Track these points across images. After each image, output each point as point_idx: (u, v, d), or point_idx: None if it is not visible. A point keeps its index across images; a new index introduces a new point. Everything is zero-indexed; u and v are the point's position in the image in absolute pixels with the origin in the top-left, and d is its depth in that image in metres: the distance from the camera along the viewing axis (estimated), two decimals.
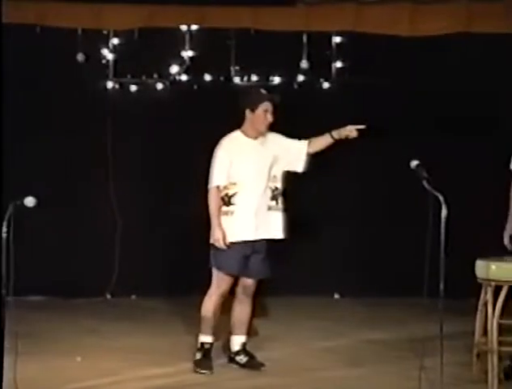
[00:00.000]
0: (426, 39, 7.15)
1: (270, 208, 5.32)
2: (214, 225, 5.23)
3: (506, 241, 5.36)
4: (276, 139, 5.39)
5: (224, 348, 5.60)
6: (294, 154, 5.39)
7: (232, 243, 5.23)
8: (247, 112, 5.30)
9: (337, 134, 5.38)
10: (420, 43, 7.18)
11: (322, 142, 5.42)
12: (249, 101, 5.33)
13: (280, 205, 5.35)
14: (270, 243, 5.36)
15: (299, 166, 5.42)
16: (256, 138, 5.33)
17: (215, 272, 5.32)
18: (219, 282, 5.31)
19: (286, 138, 5.43)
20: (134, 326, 6.56)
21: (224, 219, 5.26)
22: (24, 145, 7.41)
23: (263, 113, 5.28)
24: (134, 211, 7.55)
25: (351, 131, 5.34)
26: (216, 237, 5.21)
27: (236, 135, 5.36)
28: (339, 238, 7.55)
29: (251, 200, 5.26)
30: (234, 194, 5.26)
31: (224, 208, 5.27)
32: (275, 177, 5.35)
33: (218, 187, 5.26)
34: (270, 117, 5.29)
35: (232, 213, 5.26)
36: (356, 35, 7.27)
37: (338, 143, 5.39)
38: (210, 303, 5.33)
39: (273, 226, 5.33)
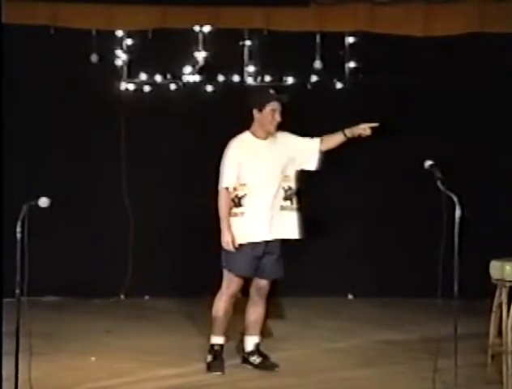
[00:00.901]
0: (439, 39, 7.13)
1: (283, 208, 5.30)
2: (223, 228, 5.22)
3: None
4: (288, 139, 5.38)
5: (238, 349, 5.60)
6: (307, 152, 5.38)
7: (242, 245, 5.23)
8: (255, 112, 5.30)
9: (350, 132, 5.37)
10: (434, 43, 7.16)
11: (335, 140, 5.42)
12: (256, 101, 5.32)
13: (295, 205, 5.34)
14: (284, 243, 5.35)
15: (312, 164, 5.40)
16: (265, 138, 5.32)
17: (225, 273, 5.32)
18: (229, 283, 5.31)
19: (297, 137, 5.41)
20: (147, 326, 6.57)
21: (234, 220, 5.25)
22: (38, 145, 7.44)
23: (271, 112, 5.26)
24: (147, 211, 7.55)
25: (364, 129, 5.33)
26: (226, 240, 5.21)
27: (245, 136, 5.35)
28: (353, 238, 7.53)
29: (262, 201, 5.25)
30: (244, 196, 5.25)
31: (234, 210, 5.26)
32: (287, 176, 5.34)
33: (227, 189, 5.25)
34: (278, 117, 5.27)
35: (242, 214, 5.25)
36: (369, 35, 7.26)
37: (351, 141, 5.38)
38: (220, 303, 5.33)
39: (287, 226, 5.31)
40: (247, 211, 5.25)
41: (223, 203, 5.25)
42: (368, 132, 5.33)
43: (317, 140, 5.41)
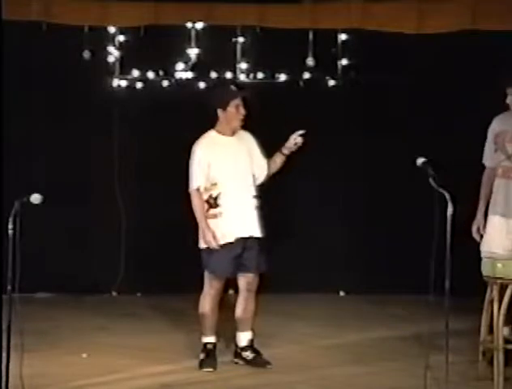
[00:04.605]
0: (432, 36, 7.14)
1: (253, 205, 5.32)
2: (203, 228, 5.22)
3: (474, 232, 5.39)
4: (251, 142, 5.41)
5: (228, 346, 5.61)
6: (258, 167, 5.40)
7: (222, 245, 5.23)
8: (219, 111, 5.32)
9: (286, 149, 5.41)
10: (426, 40, 7.16)
11: (277, 161, 5.45)
12: (219, 100, 5.35)
13: (258, 204, 5.36)
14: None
15: (260, 175, 5.42)
16: (232, 135, 5.36)
17: (206, 274, 5.34)
18: (212, 283, 5.33)
19: (256, 148, 5.41)
20: (140, 323, 6.57)
21: (213, 222, 5.26)
22: (29, 142, 7.42)
23: (235, 108, 5.29)
24: (139, 209, 7.55)
25: (295, 139, 5.36)
26: (208, 239, 5.21)
27: (211, 135, 5.37)
28: (345, 235, 7.54)
29: (236, 198, 5.26)
30: (219, 195, 5.27)
31: (212, 211, 5.27)
32: (254, 176, 5.37)
33: (198, 189, 5.26)
34: (242, 111, 5.31)
35: (220, 214, 5.26)
36: (362, 32, 7.26)
37: (291, 155, 5.40)
38: (205, 303, 5.35)
39: (257, 224, 5.32)
40: (224, 210, 5.26)
41: (196, 203, 5.26)
42: (299, 141, 5.35)
43: (265, 165, 5.42)
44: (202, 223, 5.24)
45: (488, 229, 5.27)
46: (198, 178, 5.27)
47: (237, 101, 5.31)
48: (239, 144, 5.35)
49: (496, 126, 5.44)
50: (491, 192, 5.40)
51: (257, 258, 5.32)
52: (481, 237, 5.38)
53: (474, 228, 5.42)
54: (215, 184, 5.26)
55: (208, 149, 5.30)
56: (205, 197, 5.28)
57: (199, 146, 5.33)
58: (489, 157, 5.44)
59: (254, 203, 5.34)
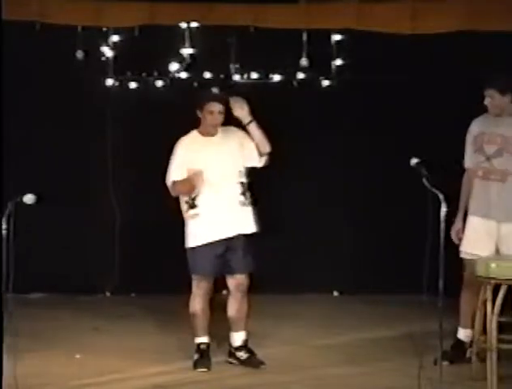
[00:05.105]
0: (428, 37, 7.14)
1: (241, 203, 5.31)
2: (188, 181, 5.18)
3: (453, 235, 5.42)
4: (236, 134, 5.36)
5: (221, 345, 5.61)
6: (249, 149, 5.35)
7: (202, 246, 5.24)
8: (198, 113, 5.34)
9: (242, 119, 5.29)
10: (422, 41, 7.17)
11: (252, 135, 5.32)
12: (197, 102, 5.36)
13: (248, 199, 5.34)
14: (248, 238, 5.35)
15: (255, 161, 5.37)
16: (214, 135, 5.35)
17: (193, 275, 5.34)
18: (199, 283, 5.34)
19: (248, 140, 5.35)
20: (134, 324, 6.56)
21: (192, 223, 5.28)
22: (23, 142, 7.40)
23: (209, 113, 5.28)
24: (133, 209, 7.54)
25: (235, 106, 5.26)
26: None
27: (193, 135, 5.38)
28: (340, 235, 7.55)
29: (216, 199, 5.26)
30: (196, 196, 5.28)
31: (191, 211, 5.29)
32: (240, 171, 5.35)
33: (175, 183, 5.27)
34: (218, 117, 5.27)
35: (198, 215, 5.27)
36: (356, 33, 7.26)
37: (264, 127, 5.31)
38: (195, 304, 5.36)
39: (244, 221, 5.31)
40: (202, 211, 5.26)
41: (174, 189, 5.28)
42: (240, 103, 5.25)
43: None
44: (184, 183, 5.20)
45: (469, 230, 5.28)
46: (175, 172, 5.28)
47: (212, 106, 5.29)
48: (222, 143, 5.33)
49: (475, 128, 5.51)
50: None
51: (243, 258, 5.32)
52: (460, 238, 5.41)
53: (453, 230, 5.46)
54: (194, 184, 5.27)
55: (188, 149, 5.32)
56: (185, 198, 5.30)
57: (180, 145, 5.35)
58: (469, 159, 5.49)
59: (241, 200, 5.31)
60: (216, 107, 5.29)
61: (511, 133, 5.31)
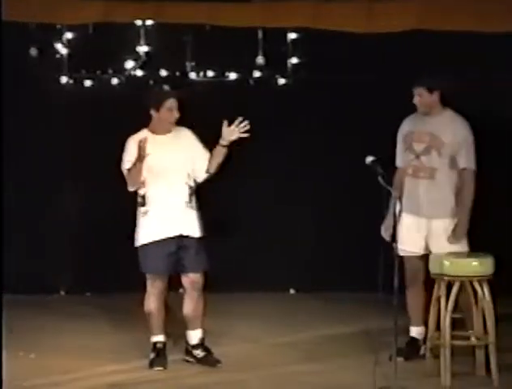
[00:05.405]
0: (381, 36, 7.20)
1: (187, 205, 5.31)
2: (136, 165, 5.17)
3: (383, 231, 5.51)
4: (189, 140, 5.37)
5: (176, 344, 5.59)
6: (197, 166, 5.36)
7: (151, 244, 5.24)
8: (153, 112, 5.32)
9: (223, 140, 5.29)
10: (376, 40, 7.23)
11: (217, 155, 5.33)
12: (152, 101, 5.34)
13: (194, 203, 5.35)
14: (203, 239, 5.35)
15: (200, 176, 5.38)
16: (165, 134, 5.35)
17: (147, 274, 5.34)
18: (154, 282, 5.34)
19: (199, 143, 5.37)
20: (89, 323, 6.51)
21: (142, 220, 5.28)
22: None
23: (168, 110, 5.28)
24: (87, 207, 7.48)
25: (232, 132, 5.26)
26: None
27: (144, 134, 5.35)
28: (295, 233, 7.57)
29: (165, 198, 5.26)
30: (146, 194, 5.29)
31: (141, 209, 5.29)
32: (189, 174, 5.35)
33: (129, 171, 5.26)
34: (176, 114, 5.30)
35: (147, 213, 5.28)
36: (311, 31, 7.30)
37: (231, 146, 5.32)
38: (150, 303, 5.35)
39: (190, 224, 5.31)
40: (151, 209, 5.27)
41: (132, 183, 5.27)
42: (236, 133, 5.26)
43: (206, 161, 5.35)
44: (135, 165, 5.18)
45: (402, 228, 5.36)
46: (128, 162, 5.27)
47: (170, 103, 5.29)
48: (173, 143, 5.33)
49: (405, 127, 5.64)
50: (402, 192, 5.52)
51: (195, 257, 5.32)
52: (391, 236, 5.48)
53: (383, 228, 5.54)
54: (143, 182, 5.25)
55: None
56: (139, 194, 5.30)
57: (131, 141, 5.33)
58: (400, 158, 5.58)
59: (189, 202, 5.31)
60: (174, 104, 5.31)
61: (439, 131, 5.42)
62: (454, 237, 5.32)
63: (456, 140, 5.37)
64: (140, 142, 5.17)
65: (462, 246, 5.34)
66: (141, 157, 5.16)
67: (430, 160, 5.41)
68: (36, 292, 7.32)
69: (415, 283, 5.45)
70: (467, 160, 5.37)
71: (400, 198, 5.00)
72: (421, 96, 5.47)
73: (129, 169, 5.27)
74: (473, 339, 5.17)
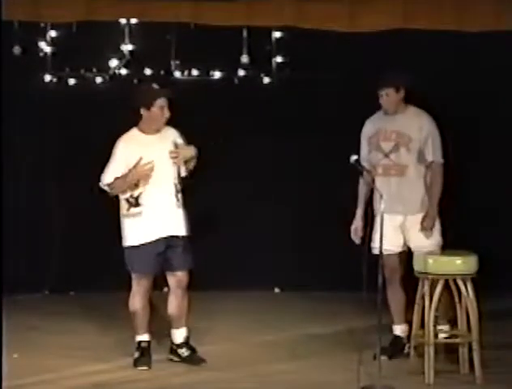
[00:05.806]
0: (364, 35, 7.22)
1: (175, 204, 5.32)
2: (131, 175, 5.18)
3: (353, 232, 5.56)
4: (175, 138, 5.39)
5: (161, 343, 5.59)
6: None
7: (143, 244, 5.23)
8: (143, 110, 5.31)
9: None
10: (359, 39, 7.24)
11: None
12: (143, 100, 5.32)
13: (181, 201, 5.35)
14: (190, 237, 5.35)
15: (182, 172, 5.42)
16: (155, 133, 5.34)
17: (133, 273, 5.32)
18: (139, 281, 5.33)
19: (182, 143, 5.40)
20: (73, 322, 6.49)
21: (133, 221, 5.26)
22: None
23: (159, 109, 5.28)
24: (71, 206, 7.46)
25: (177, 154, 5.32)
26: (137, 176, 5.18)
27: (134, 134, 5.36)
28: (279, 233, 7.58)
29: (158, 198, 5.26)
30: (140, 195, 5.27)
31: (133, 210, 5.27)
32: (177, 174, 5.36)
33: (116, 179, 5.25)
34: (166, 113, 5.30)
35: (140, 214, 5.26)
36: (296, 30, 7.30)
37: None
38: (135, 302, 5.34)
39: (179, 223, 5.32)
40: (145, 209, 5.25)
41: (111, 186, 5.28)
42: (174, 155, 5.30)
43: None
44: (127, 177, 5.19)
45: (376, 227, 5.37)
46: (110, 175, 5.26)
47: (162, 102, 5.28)
48: (162, 142, 5.33)
49: (369, 128, 5.69)
50: (370, 192, 5.53)
51: (182, 256, 5.32)
52: (361, 237, 5.52)
53: (352, 229, 5.57)
54: (135, 184, 5.24)
55: (129, 148, 5.29)
56: (126, 196, 5.28)
57: (120, 143, 5.32)
58: (365, 159, 5.59)
59: (177, 201, 5.32)
60: (165, 102, 5.30)
61: (405, 128, 5.49)
62: (422, 228, 5.37)
63: (423, 135, 5.45)
64: (140, 166, 5.17)
65: (436, 239, 5.40)
66: (135, 179, 5.20)
67: (399, 157, 5.47)
68: (19, 291, 7.29)
69: (393, 280, 5.48)
70: (434, 154, 5.46)
71: (381, 197, 5.02)
72: (389, 96, 5.52)
73: (111, 183, 5.25)
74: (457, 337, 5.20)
